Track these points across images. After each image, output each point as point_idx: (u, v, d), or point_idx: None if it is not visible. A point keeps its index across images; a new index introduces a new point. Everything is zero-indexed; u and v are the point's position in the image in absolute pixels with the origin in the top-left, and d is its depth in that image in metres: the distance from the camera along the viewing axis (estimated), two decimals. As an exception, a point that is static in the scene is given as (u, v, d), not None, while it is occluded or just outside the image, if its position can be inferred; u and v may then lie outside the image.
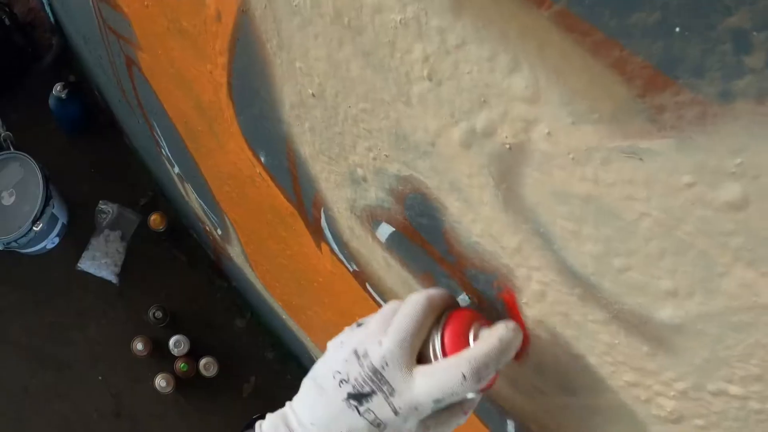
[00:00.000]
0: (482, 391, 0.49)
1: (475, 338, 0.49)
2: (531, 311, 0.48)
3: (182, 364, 2.14)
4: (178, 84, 1.01)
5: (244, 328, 2.33)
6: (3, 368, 2.24)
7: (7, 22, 2.31)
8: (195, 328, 2.29)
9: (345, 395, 0.48)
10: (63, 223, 2.27)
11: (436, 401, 0.47)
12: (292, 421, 0.52)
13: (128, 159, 2.41)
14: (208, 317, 2.33)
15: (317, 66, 0.52)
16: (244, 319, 2.34)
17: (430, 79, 0.40)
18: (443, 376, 0.46)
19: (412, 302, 0.50)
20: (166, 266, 2.36)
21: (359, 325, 0.52)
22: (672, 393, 0.39)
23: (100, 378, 2.25)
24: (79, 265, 2.28)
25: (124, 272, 2.32)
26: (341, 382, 0.49)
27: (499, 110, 0.37)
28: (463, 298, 0.57)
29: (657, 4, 0.26)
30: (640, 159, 0.30)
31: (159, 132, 1.47)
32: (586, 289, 0.40)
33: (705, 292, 0.32)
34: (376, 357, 0.48)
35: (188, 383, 2.21)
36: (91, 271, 2.28)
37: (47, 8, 2.24)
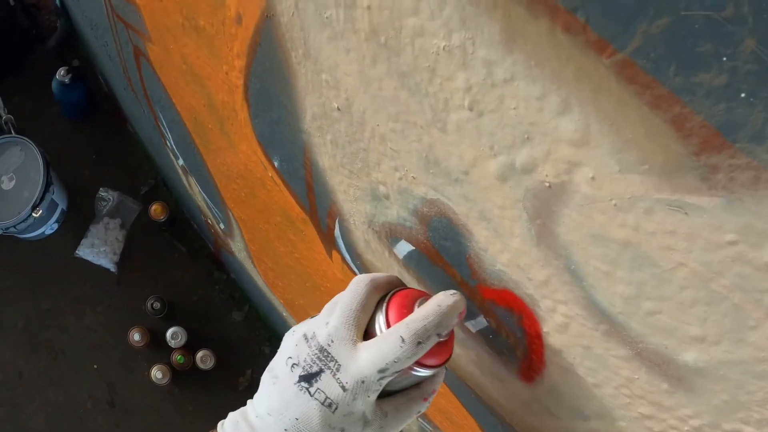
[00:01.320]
0: (434, 365, 0.49)
1: None
2: (552, 340, 0.47)
3: (179, 356, 2.13)
4: (189, 80, 0.99)
5: (242, 321, 2.32)
6: (-3, 353, 2.23)
7: (11, 2, 2.27)
8: (193, 320, 2.27)
9: (296, 378, 0.48)
10: (62, 209, 2.25)
11: (380, 371, 0.46)
12: (250, 415, 0.51)
13: (130, 146, 2.39)
14: (206, 309, 2.31)
15: (346, 81, 0.50)
16: (241, 312, 2.32)
17: (470, 109, 0.38)
18: (383, 343, 0.46)
19: (356, 281, 0.50)
20: (166, 256, 2.34)
21: (313, 317, 0.52)
22: (686, 428, 0.39)
23: (95, 366, 2.24)
24: (77, 252, 2.26)
25: (123, 261, 2.30)
26: (293, 366, 0.49)
27: (542, 149, 0.36)
28: (480, 321, 0.56)
29: (725, 67, 0.25)
30: (685, 213, 0.30)
31: (165, 124, 1.44)
32: (612, 327, 0.40)
33: (733, 341, 0.32)
34: (322, 336, 0.48)
35: (184, 375, 2.20)
36: (90, 258, 2.26)
37: (53, -10, 2.21)
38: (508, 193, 0.41)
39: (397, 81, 0.43)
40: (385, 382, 0.47)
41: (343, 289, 0.92)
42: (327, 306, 0.52)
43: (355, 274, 0.82)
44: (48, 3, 2.46)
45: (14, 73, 2.38)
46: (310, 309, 1.29)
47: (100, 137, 2.39)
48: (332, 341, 0.48)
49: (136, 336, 2.15)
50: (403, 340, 0.45)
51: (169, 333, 2.16)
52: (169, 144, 1.57)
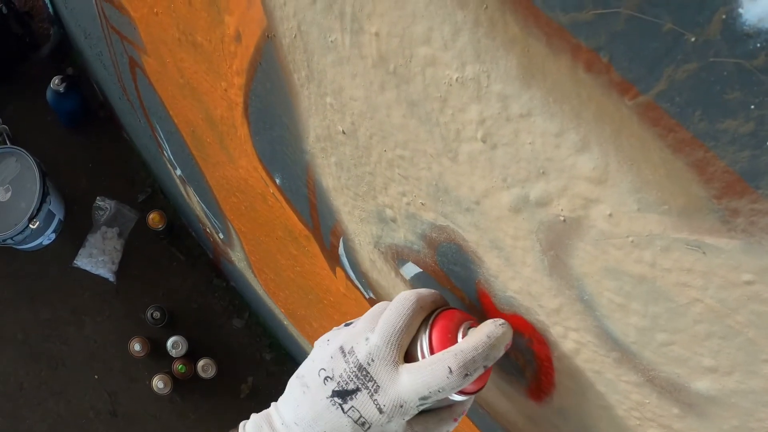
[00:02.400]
0: (472, 392, 0.47)
1: (464, 336, 0.47)
2: (562, 365, 0.46)
3: (180, 366, 2.12)
4: (186, 94, 0.98)
5: (242, 329, 2.30)
6: (-3, 364, 2.22)
7: (4, 10, 2.25)
8: (193, 328, 2.26)
9: (329, 393, 0.47)
10: (60, 219, 2.23)
11: (422, 398, 0.45)
12: (275, 420, 0.50)
13: (127, 154, 2.37)
14: (206, 317, 2.30)
15: (352, 105, 0.48)
16: (242, 320, 2.31)
17: (483, 141, 0.37)
18: (429, 371, 0.44)
19: (401, 299, 0.48)
20: (164, 265, 2.32)
21: (347, 324, 0.51)
22: (696, 450, 0.39)
23: (96, 377, 2.22)
24: (75, 262, 2.24)
25: (122, 270, 2.29)
26: (326, 379, 0.47)
27: (558, 184, 0.35)
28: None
29: (752, 115, 0.24)
30: (703, 253, 0.30)
31: (162, 135, 1.43)
32: (624, 354, 0.39)
33: (745, 372, 0.32)
34: (362, 353, 0.46)
35: (186, 384, 2.19)
36: (88, 268, 2.24)
37: (46, -1, 2.19)
38: (521, 225, 0.40)
39: (406, 109, 0.42)
40: (424, 407, 0.46)
41: (347, 304, 0.92)
42: (365, 316, 0.50)
43: (360, 291, 0.81)
44: (41, 10, 2.44)
45: (7, 82, 2.36)
46: (312, 320, 1.28)
47: (96, 145, 2.37)
48: (372, 360, 0.46)
49: (136, 346, 2.13)
50: (450, 371, 0.44)
51: (169, 342, 2.15)
52: (166, 154, 1.56)
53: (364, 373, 0.46)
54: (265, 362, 2.28)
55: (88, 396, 2.21)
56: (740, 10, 0.22)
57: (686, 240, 0.30)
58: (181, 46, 0.84)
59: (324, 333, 1.23)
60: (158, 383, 2.11)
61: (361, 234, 0.66)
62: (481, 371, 0.45)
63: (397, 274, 0.64)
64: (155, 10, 0.89)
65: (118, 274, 2.28)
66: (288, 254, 1.04)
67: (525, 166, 0.36)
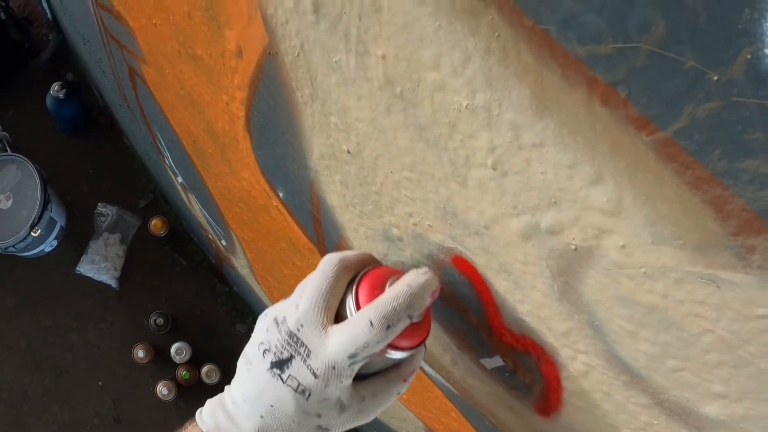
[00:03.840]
0: (410, 347, 0.47)
1: None
2: (571, 385, 0.46)
3: (184, 372, 2.11)
4: (187, 105, 0.97)
5: (246, 334, 2.29)
6: (1, 372, 2.21)
7: (2, 15, 2.24)
8: (196, 334, 2.25)
9: (268, 365, 0.47)
10: (61, 225, 2.22)
11: (351, 356, 0.44)
12: (227, 402, 0.50)
13: (128, 160, 2.36)
14: (210, 323, 2.29)
15: (357, 126, 0.48)
16: (245, 325, 2.30)
17: (494, 168, 0.36)
18: (351, 327, 0.44)
19: (325, 262, 0.48)
20: (167, 270, 2.31)
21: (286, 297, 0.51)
22: (702, 471, 0.39)
23: (99, 383, 2.22)
24: (77, 268, 2.23)
25: (124, 276, 2.28)
26: (264, 352, 0.47)
27: (570, 214, 0.34)
28: (496, 360, 0.55)
29: None
30: (717, 286, 0.30)
31: (163, 143, 1.42)
32: (633, 378, 0.39)
33: (755, 400, 0.32)
34: (292, 321, 0.47)
35: (190, 390, 2.18)
36: (91, 275, 2.23)
37: (44, 4, 2.18)
38: (531, 251, 0.39)
39: (413, 132, 0.41)
40: (357, 366, 0.45)
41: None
42: (298, 287, 0.49)
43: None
44: (39, 16, 2.43)
45: (7, 88, 2.35)
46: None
47: (96, 151, 2.36)
48: (301, 326, 0.46)
49: (140, 353, 2.13)
50: (371, 324, 0.43)
51: (173, 349, 2.14)
52: (167, 162, 1.55)
53: (295, 339, 0.46)
54: (268, 367, 2.27)
55: (92, 403, 2.21)
56: (766, 51, 0.22)
57: (700, 273, 0.30)
58: (180, 59, 0.83)
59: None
60: (162, 390, 2.11)
61: (366, 251, 0.65)
62: (406, 322, 0.44)
63: (404, 290, 0.63)
64: (154, 21, 0.88)
65: (120, 280, 2.27)
66: (292, 265, 1.03)
67: (536, 195, 0.35)
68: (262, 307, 1.88)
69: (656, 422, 0.39)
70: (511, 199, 0.37)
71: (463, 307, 0.53)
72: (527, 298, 0.43)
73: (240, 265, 1.64)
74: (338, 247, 0.72)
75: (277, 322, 0.47)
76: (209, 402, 0.52)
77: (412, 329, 0.46)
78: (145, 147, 1.84)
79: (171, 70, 0.92)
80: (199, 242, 2.27)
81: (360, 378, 0.47)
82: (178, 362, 2.14)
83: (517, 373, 0.53)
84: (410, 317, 0.44)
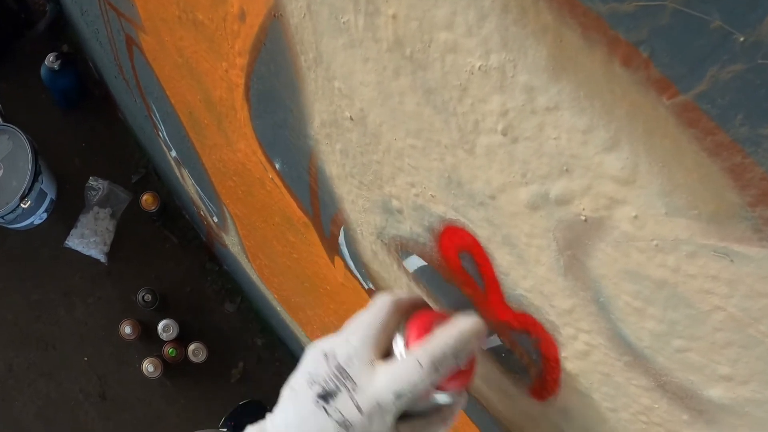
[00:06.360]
0: (454, 389, 0.48)
1: None
2: (570, 365, 0.45)
3: (171, 350, 2.10)
4: (185, 74, 0.95)
5: (235, 313, 2.29)
6: (-14, 345, 2.19)
7: (-1, -15, 2.22)
8: (184, 312, 2.24)
9: (314, 395, 0.48)
10: (51, 198, 2.20)
11: (397, 395, 0.46)
12: (269, 428, 0.51)
13: (121, 135, 2.34)
14: (198, 301, 2.28)
15: (362, 91, 0.46)
16: (234, 304, 2.29)
17: (504, 134, 0.35)
18: (401, 367, 0.46)
19: (378, 301, 0.51)
20: (157, 247, 2.29)
21: (336, 332, 0.52)
22: (702, 456, 0.38)
23: (85, 359, 2.20)
24: (66, 242, 2.21)
25: (113, 252, 2.26)
26: (311, 383, 0.48)
27: (582, 182, 0.33)
28: (493, 339, 0.54)
29: None
30: (731, 260, 0.29)
31: (158, 116, 1.40)
32: (636, 359, 0.38)
33: (762, 382, 0.31)
34: (342, 355, 0.48)
35: (176, 368, 2.17)
36: (79, 249, 2.21)
37: (41, -27, 2.15)
38: (538, 222, 0.38)
39: (421, 97, 0.40)
40: (402, 405, 0.46)
41: (344, 293, 0.90)
42: (348, 323, 0.51)
43: (359, 282, 0.79)
44: (36, -14, 2.40)
45: (2, 59, 2.32)
46: (306, 308, 1.27)
47: (90, 125, 2.33)
48: (351, 361, 0.48)
49: (127, 329, 2.11)
50: (420, 365, 0.45)
51: (160, 326, 2.12)
52: (161, 135, 1.53)
53: (344, 373, 0.48)
54: (256, 347, 2.26)
55: (78, 378, 2.19)
56: (795, 13, 0.21)
57: (714, 247, 0.29)
58: (181, 24, 0.82)
59: (318, 320, 1.23)
60: (148, 367, 2.10)
61: (364, 224, 0.64)
62: (451, 365, 0.46)
63: (400, 266, 0.62)
64: (154, -14, 0.86)
65: (109, 255, 2.25)
66: (285, 241, 1.02)
67: (547, 162, 0.34)
68: (252, 288, 1.89)
69: (657, 406, 0.39)
70: (521, 166, 0.36)
71: (462, 282, 0.53)
72: (530, 273, 0.42)
73: (231, 242, 1.63)
74: (334, 220, 0.71)
75: (326, 355, 0.49)
76: (249, 428, 0.53)
77: (457, 373, 0.48)
78: (139, 120, 1.82)
79: (170, 37, 0.91)
80: (191, 219, 2.26)
81: (403, 417, 0.48)
82: (165, 339, 2.13)
83: (513, 354, 0.52)
84: (457, 362, 0.46)
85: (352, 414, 0.46)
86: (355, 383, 0.47)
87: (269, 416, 0.52)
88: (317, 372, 0.49)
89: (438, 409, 0.50)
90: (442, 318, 0.49)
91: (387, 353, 0.49)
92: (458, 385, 0.48)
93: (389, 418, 0.47)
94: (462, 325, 0.47)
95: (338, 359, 0.48)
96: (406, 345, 0.48)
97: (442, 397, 0.49)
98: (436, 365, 0.45)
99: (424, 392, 0.47)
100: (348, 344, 0.49)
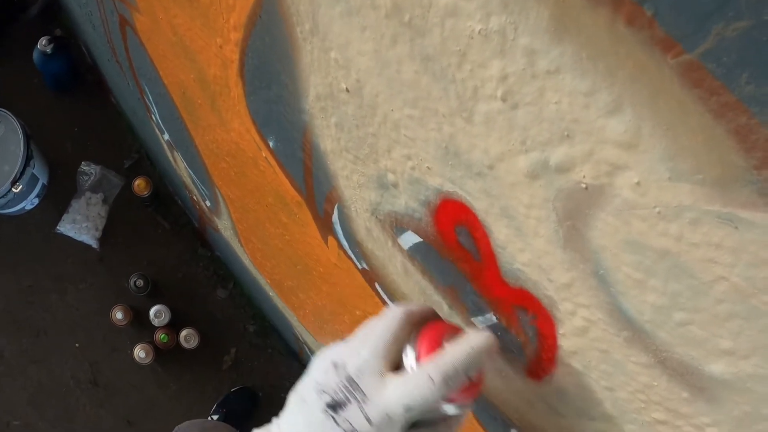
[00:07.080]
0: (462, 401, 0.49)
1: None
2: (567, 343, 0.45)
3: (162, 336, 2.09)
4: (179, 53, 0.94)
5: (226, 299, 2.28)
6: (-23, 331, 2.18)
7: (-9, -33, 2.19)
8: (176, 298, 2.23)
9: (324, 405, 0.48)
10: (43, 183, 2.19)
11: (407, 409, 0.46)
12: None
13: (114, 119, 2.32)
14: (190, 287, 2.27)
15: (358, 61, 0.46)
16: (226, 290, 2.28)
17: (503, 100, 0.35)
18: (412, 380, 0.46)
19: (389, 313, 0.51)
20: (149, 232, 2.28)
21: (344, 340, 0.52)
22: (702, 435, 0.38)
23: (77, 345, 2.19)
24: (58, 228, 2.20)
25: (105, 237, 2.25)
26: (320, 392, 0.49)
27: (583, 148, 0.33)
28: (489, 318, 0.54)
29: None
30: (735, 227, 0.28)
31: (151, 98, 1.39)
32: (636, 334, 0.38)
33: (764, 356, 0.31)
34: (352, 366, 0.49)
35: (168, 354, 2.16)
36: (71, 234, 2.20)
37: (33, -44, 2.13)
38: (537, 192, 0.38)
39: (419, 64, 0.39)
40: (411, 418, 0.47)
41: (338, 275, 0.90)
42: (359, 332, 0.52)
43: (353, 262, 0.79)
44: (29, -32, 2.37)
45: (-6, 42, 2.30)
46: (299, 291, 1.26)
47: (82, 109, 2.32)
48: (362, 372, 0.48)
49: (118, 315, 2.10)
50: (431, 380, 0.45)
51: (152, 311, 2.12)
52: (154, 118, 1.52)
53: (354, 385, 0.48)
54: (248, 334, 2.26)
55: (69, 365, 2.19)
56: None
57: (718, 213, 0.29)
58: (175, 2, 0.81)
59: (311, 304, 1.22)
60: (140, 353, 2.09)
61: (358, 200, 0.63)
62: (463, 380, 0.46)
63: (395, 243, 0.62)
64: (148, -37, 0.85)
65: (101, 241, 2.24)
66: (278, 222, 1.01)
67: (548, 128, 0.34)
68: (245, 273, 1.88)
69: (656, 384, 0.39)
70: (520, 133, 0.35)
71: (458, 258, 0.52)
72: (528, 246, 0.42)
73: (224, 227, 1.62)
74: (328, 198, 0.71)
75: (335, 366, 0.49)
76: (255, 431, 0.53)
77: (466, 386, 0.48)
78: (132, 104, 1.81)
79: (164, 15, 0.90)
80: (183, 205, 2.25)
81: (409, 427, 0.49)
82: (156, 325, 2.12)
83: (509, 332, 0.52)
84: (468, 377, 0.47)
85: (361, 425, 0.47)
86: (365, 395, 0.47)
87: (275, 420, 0.52)
88: (327, 382, 0.49)
89: (445, 419, 0.51)
90: (452, 331, 0.50)
91: (397, 365, 0.49)
92: (467, 397, 0.49)
93: (398, 430, 0.47)
94: (474, 341, 0.47)
95: (348, 371, 0.48)
96: (417, 358, 0.49)
97: (450, 409, 0.49)
98: (447, 381, 0.46)
99: (434, 405, 0.47)
100: (359, 356, 0.49)
